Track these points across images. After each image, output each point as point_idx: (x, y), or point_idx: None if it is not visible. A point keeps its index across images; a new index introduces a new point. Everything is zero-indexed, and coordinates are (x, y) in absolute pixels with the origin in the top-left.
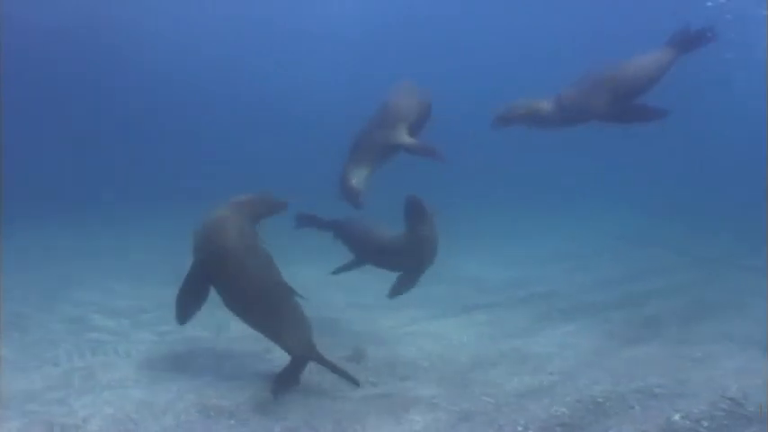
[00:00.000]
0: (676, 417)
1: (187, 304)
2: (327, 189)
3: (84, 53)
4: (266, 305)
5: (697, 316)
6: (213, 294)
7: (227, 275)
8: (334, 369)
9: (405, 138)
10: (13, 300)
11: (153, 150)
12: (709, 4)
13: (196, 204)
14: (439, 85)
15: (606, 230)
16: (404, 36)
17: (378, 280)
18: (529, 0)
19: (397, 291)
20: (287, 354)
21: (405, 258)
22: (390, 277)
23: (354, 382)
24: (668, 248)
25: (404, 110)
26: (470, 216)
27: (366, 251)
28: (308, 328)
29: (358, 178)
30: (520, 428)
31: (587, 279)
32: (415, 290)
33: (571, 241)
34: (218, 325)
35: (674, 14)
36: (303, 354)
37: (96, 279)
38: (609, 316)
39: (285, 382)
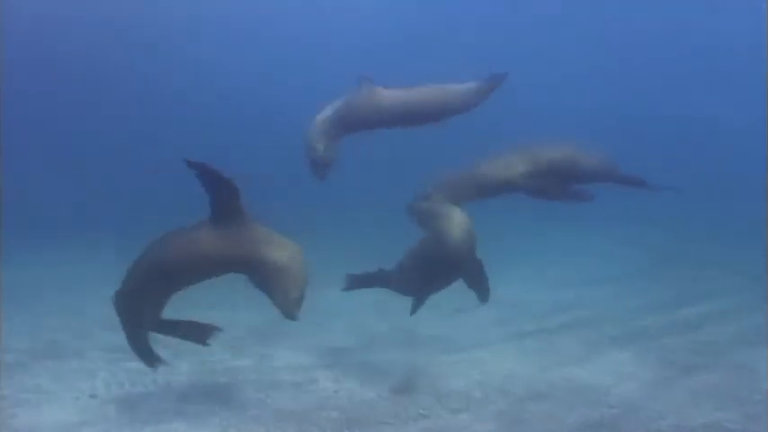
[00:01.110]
0: None
1: None
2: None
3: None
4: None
5: (755, 341)
6: (255, 322)
7: None
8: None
9: (324, 146)
10: (49, 326)
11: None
12: None
13: None
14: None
15: (643, 249)
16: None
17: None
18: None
19: (482, 295)
20: None
21: (437, 252)
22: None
23: (216, 329)
24: (710, 267)
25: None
26: (505, 233)
27: (415, 279)
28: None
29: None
30: None
31: (634, 302)
32: (458, 316)
33: (610, 261)
34: (261, 354)
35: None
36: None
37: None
38: (663, 342)
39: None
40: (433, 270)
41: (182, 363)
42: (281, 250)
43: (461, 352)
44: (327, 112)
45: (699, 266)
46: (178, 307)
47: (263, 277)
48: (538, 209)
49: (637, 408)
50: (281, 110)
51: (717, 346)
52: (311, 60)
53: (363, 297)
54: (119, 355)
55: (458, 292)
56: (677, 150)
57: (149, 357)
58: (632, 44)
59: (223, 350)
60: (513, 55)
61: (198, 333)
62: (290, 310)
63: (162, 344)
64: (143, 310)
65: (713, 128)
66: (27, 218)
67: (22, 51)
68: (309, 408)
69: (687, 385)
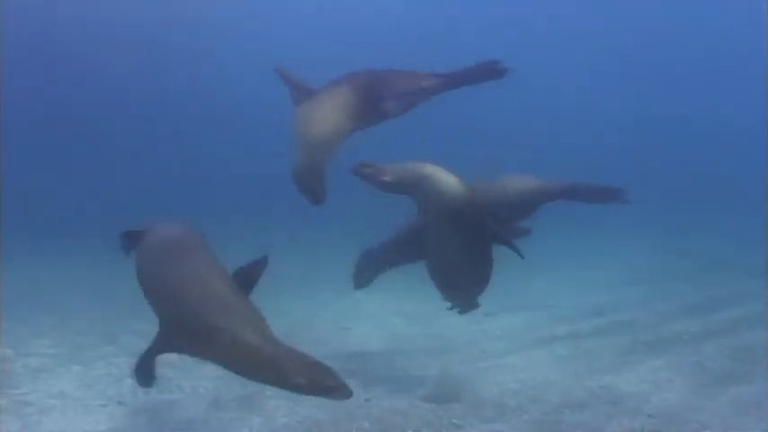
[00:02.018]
0: None
1: None
2: None
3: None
4: None
5: None
6: (279, 326)
7: None
8: None
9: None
10: (74, 329)
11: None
12: None
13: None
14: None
15: (668, 252)
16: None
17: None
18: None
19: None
20: None
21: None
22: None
23: None
24: (742, 271)
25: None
26: (530, 237)
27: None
28: None
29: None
30: None
31: (666, 306)
32: (488, 321)
33: (637, 265)
34: None
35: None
36: None
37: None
38: (699, 348)
39: None
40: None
41: (206, 368)
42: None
43: (493, 358)
44: (324, 123)
45: (725, 269)
46: None
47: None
48: (561, 212)
49: (678, 418)
50: (280, 109)
51: (754, 352)
52: (311, 60)
53: (389, 300)
54: None
55: (486, 296)
56: (677, 150)
57: None
58: (633, 44)
59: None
60: (515, 55)
61: None
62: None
63: None
64: None
65: (713, 128)
66: (44, 219)
67: (23, 52)
68: (339, 417)
69: (728, 394)
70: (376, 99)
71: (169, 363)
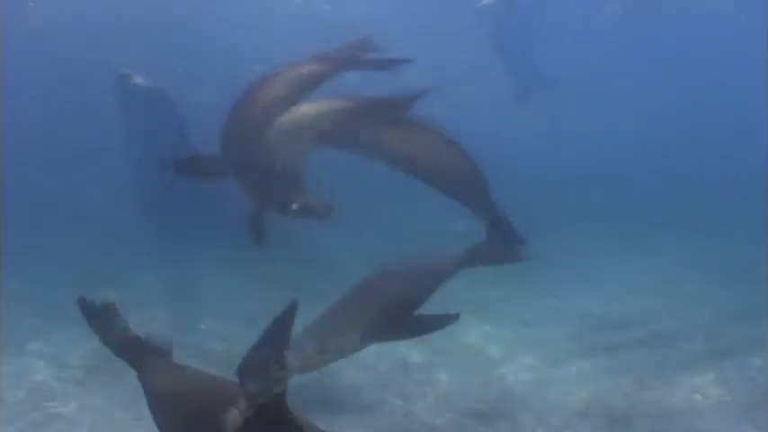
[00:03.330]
0: None
1: None
2: None
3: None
4: None
5: None
6: None
7: None
8: None
9: None
10: None
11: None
12: None
13: None
14: None
15: (702, 259)
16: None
17: (482, 319)
18: None
19: None
20: None
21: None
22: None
23: None
24: None
25: None
26: (564, 245)
27: None
28: None
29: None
30: None
31: (707, 316)
32: (524, 331)
33: (673, 271)
34: (325, 370)
35: None
36: None
37: (185, 319)
38: (746, 362)
39: None
40: None
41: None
42: None
43: (533, 371)
44: None
45: (758, 276)
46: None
47: None
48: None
49: None
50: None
51: None
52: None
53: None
54: None
55: (522, 305)
56: (677, 150)
57: None
58: (633, 44)
59: None
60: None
61: None
62: None
63: (219, 361)
64: None
65: (714, 127)
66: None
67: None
68: (376, 428)
69: None
70: None
71: None
